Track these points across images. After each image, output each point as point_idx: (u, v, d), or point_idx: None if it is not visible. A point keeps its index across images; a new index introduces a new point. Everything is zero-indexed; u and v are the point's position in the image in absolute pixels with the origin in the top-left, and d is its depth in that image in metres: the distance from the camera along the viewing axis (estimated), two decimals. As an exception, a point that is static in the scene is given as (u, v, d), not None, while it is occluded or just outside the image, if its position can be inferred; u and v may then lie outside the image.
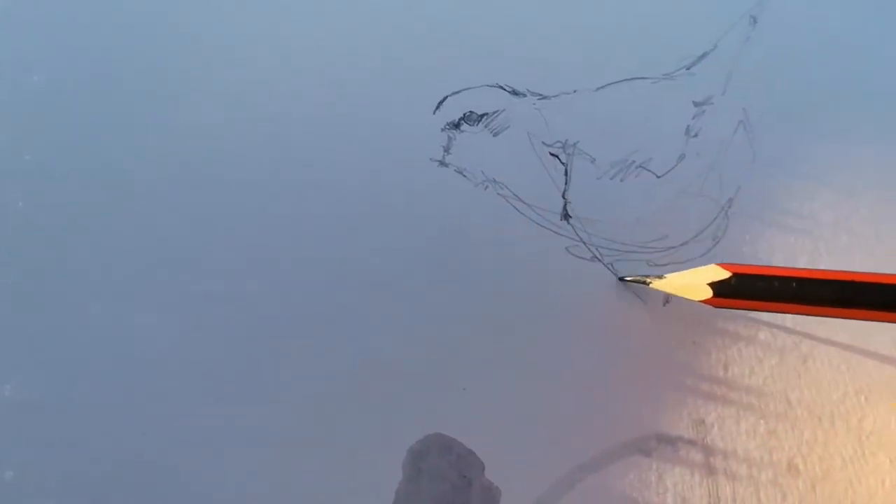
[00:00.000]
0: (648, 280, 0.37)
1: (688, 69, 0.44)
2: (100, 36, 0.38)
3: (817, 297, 0.32)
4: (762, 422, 0.37)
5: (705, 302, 0.34)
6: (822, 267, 0.40)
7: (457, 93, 0.40)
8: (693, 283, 0.34)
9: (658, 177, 0.41)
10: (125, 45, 0.38)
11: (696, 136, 0.43)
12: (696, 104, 0.44)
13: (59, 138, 0.36)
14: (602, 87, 0.43)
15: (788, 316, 0.38)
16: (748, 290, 0.33)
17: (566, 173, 0.40)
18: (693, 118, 0.43)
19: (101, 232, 0.34)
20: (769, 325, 0.38)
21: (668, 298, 0.39)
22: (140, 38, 0.38)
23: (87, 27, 0.38)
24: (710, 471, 0.35)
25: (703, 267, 0.34)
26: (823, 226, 0.41)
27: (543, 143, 0.41)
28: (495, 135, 0.40)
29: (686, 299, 0.35)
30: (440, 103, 0.40)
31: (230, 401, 0.33)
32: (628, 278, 0.38)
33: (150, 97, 0.37)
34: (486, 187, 0.39)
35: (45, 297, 0.33)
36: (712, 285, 0.33)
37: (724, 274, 0.33)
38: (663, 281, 0.36)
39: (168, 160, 0.36)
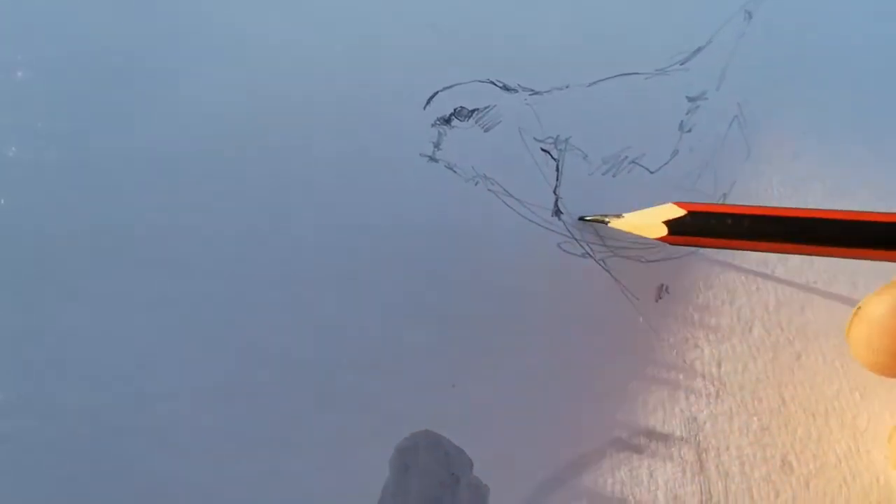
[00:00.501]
0: (607, 219, 0.37)
1: (682, 64, 0.44)
2: (86, 29, 0.38)
3: (768, 233, 0.32)
4: (755, 419, 0.36)
5: (661, 239, 0.34)
6: (818, 259, 0.40)
7: (448, 88, 0.40)
8: (649, 222, 0.35)
9: (651, 172, 0.41)
10: (112, 40, 0.38)
11: (689, 131, 0.43)
12: (689, 99, 0.43)
13: (45, 134, 0.35)
14: (595, 82, 0.42)
15: (783, 313, 0.38)
16: (702, 227, 0.33)
17: (558, 169, 0.40)
18: (687, 113, 0.43)
19: (88, 231, 0.34)
20: (763, 323, 0.38)
21: (660, 294, 0.38)
22: (127, 35, 0.38)
23: (73, 22, 0.38)
24: (702, 468, 0.35)
25: (658, 206, 0.35)
26: (818, 221, 0.41)
27: (535, 138, 0.40)
28: (486, 130, 0.40)
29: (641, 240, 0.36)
30: (430, 98, 0.40)
31: (215, 400, 0.33)
32: (588, 218, 0.39)
33: (138, 92, 0.37)
34: (477, 183, 0.39)
35: (30, 297, 0.33)
36: (668, 223, 0.34)
37: (679, 212, 0.34)
38: (622, 220, 0.37)
39: (155, 155, 0.36)
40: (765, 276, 0.39)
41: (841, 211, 0.32)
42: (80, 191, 0.35)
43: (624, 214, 0.37)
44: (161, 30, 0.38)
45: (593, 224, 0.39)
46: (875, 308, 0.30)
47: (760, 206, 0.33)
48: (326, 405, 0.34)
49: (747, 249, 0.33)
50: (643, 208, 0.38)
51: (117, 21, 0.38)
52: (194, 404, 0.33)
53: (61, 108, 0.36)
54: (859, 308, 0.31)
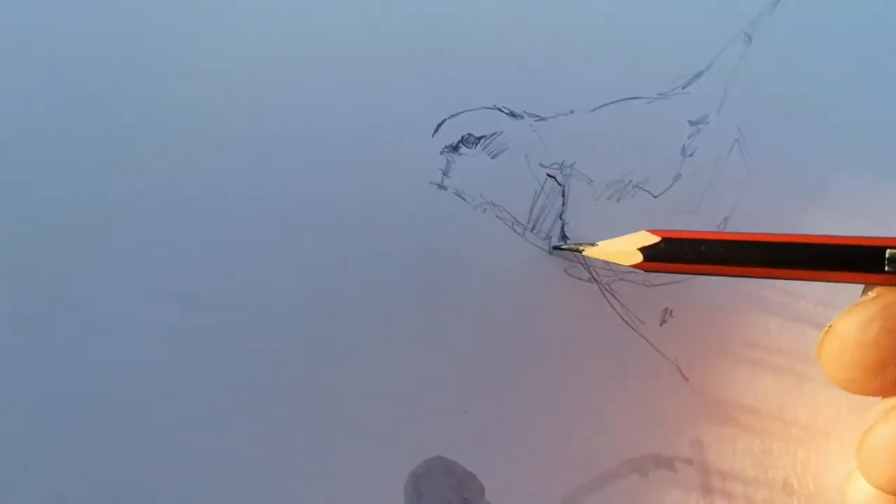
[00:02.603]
0: (581, 248, 0.38)
1: (683, 88, 0.45)
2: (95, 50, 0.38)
3: (742, 258, 0.33)
4: (758, 441, 0.37)
5: (636, 266, 0.35)
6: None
7: (455, 115, 0.41)
8: (624, 249, 0.35)
9: (654, 196, 0.42)
10: (127, 80, 0.38)
11: (691, 155, 0.43)
12: (691, 123, 0.44)
13: (62, 171, 0.36)
14: (598, 107, 0.43)
15: (784, 337, 0.39)
16: (676, 253, 0.34)
17: (563, 194, 0.41)
18: (689, 137, 0.44)
19: (105, 266, 0.35)
20: (764, 346, 0.39)
21: (664, 318, 0.39)
22: (142, 76, 0.39)
23: (86, 61, 0.38)
24: (707, 490, 0.36)
25: (632, 234, 0.36)
26: (818, 244, 0.42)
27: (541, 164, 0.41)
28: (493, 157, 0.41)
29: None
30: (439, 126, 0.41)
31: (231, 432, 0.34)
32: (563, 247, 0.39)
33: (143, 119, 0.38)
34: (485, 210, 0.39)
35: (50, 327, 0.34)
36: (642, 250, 0.35)
37: (654, 239, 0.35)
38: (596, 248, 0.37)
39: (162, 185, 0.37)
40: (766, 301, 0.40)
41: (812, 235, 0.33)
42: (96, 224, 0.35)
43: (598, 243, 0.37)
44: (171, 61, 0.39)
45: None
46: (846, 324, 0.31)
47: (732, 233, 0.35)
48: (341, 432, 0.34)
49: (722, 275, 0.34)
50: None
51: (133, 56, 0.39)
52: (207, 433, 0.34)
53: (72, 133, 0.36)
54: (830, 327, 0.32)
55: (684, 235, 0.35)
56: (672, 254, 0.34)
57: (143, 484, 0.32)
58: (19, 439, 0.32)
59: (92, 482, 0.32)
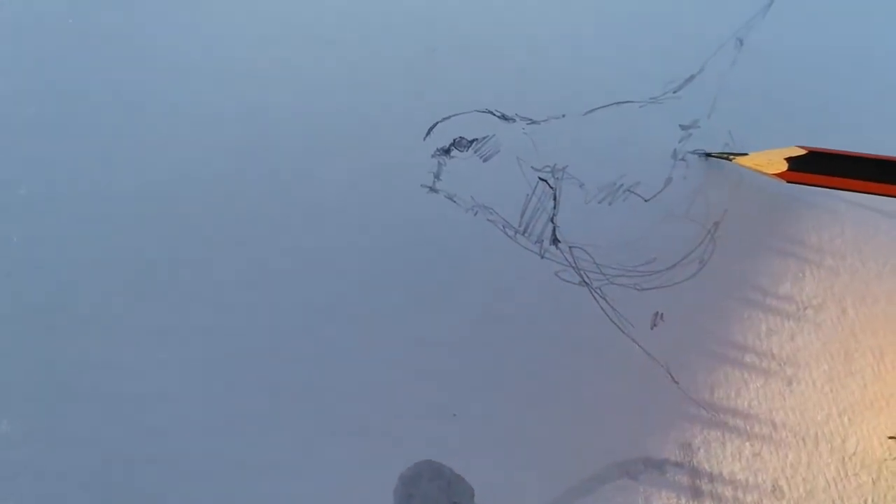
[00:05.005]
0: (731, 157, 0.41)
1: (674, 92, 0.45)
2: (89, 69, 0.38)
3: (880, 175, 0.36)
4: (748, 444, 0.37)
5: (780, 175, 0.38)
6: (808, 286, 0.41)
7: (447, 118, 0.41)
8: (772, 159, 0.38)
9: (645, 200, 0.42)
10: (119, 79, 0.38)
11: (682, 159, 0.43)
12: (682, 127, 0.44)
13: (52, 170, 0.36)
14: (590, 111, 0.43)
15: (774, 340, 0.39)
16: (820, 166, 0.37)
17: (555, 198, 0.41)
18: (680, 141, 0.44)
19: (96, 265, 0.35)
20: (754, 350, 0.39)
21: (655, 322, 0.39)
22: (134, 75, 0.39)
23: (78, 60, 0.38)
24: (696, 493, 0.36)
25: (782, 148, 0.39)
26: (808, 248, 0.42)
27: (533, 167, 0.41)
28: (485, 160, 0.41)
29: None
30: (430, 129, 0.41)
31: (221, 432, 0.34)
32: (714, 154, 0.42)
33: (147, 126, 0.38)
34: (476, 213, 0.40)
35: (40, 332, 0.34)
36: (789, 160, 0.37)
37: (801, 151, 0.38)
38: (746, 157, 0.40)
39: (160, 188, 0.37)
40: (756, 304, 0.40)
41: None
42: (88, 223, 0.35)
43: (749, 153, 0.40)
44: (165, 62, 0.39)
45: (587, 249, 0.40)
46: None
47: (878, 155, 0.37)
48: (331, 435, 0.34)
49: (860, 191, 0.37)
50: (639, 236, 0.39)
51: (125, 54, 0.39)
52: (202, 434, 0.34)
53: (67, 147, 0.36)
54: None
55: (830, 151, 0.37)
56: (816, 167, 0.37)
57: (137, 483, 0.32)
58: (10, 442, 0.32)
59: (87, 482, 0.32)
